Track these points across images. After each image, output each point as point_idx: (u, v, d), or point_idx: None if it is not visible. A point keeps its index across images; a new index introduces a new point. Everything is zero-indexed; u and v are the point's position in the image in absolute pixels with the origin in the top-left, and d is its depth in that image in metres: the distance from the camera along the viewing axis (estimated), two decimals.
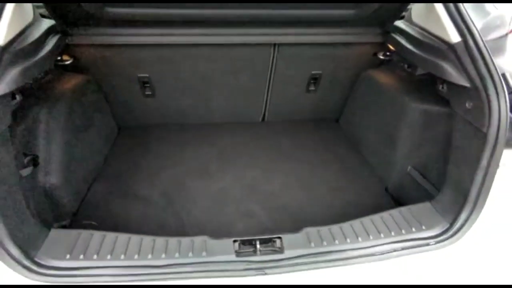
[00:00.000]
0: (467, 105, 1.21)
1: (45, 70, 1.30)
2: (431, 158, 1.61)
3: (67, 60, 1.77)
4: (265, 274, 1.04)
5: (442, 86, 1.43)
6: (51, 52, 1.36)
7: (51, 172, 1.44)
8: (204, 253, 1.08)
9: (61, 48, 1.58)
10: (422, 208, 1.31)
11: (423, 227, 1.22)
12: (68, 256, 1.05)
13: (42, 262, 1.02)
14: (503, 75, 1.10)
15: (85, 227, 1.49)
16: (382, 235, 1.18)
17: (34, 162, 1.32)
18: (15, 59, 1.08)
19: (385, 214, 1.28)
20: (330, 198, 1.74)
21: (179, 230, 1.50)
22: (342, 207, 1.68)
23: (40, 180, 1.40)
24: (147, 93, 2.08)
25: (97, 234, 1.14)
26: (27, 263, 0.98)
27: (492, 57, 1.12)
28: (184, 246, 1.11)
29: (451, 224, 1.20)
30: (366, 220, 1.24)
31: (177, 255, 1.07)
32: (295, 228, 1.52)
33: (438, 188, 1.49)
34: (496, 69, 1.10)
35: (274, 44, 1.95)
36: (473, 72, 1.16)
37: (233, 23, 1.73)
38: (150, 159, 1.97)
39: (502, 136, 1.07)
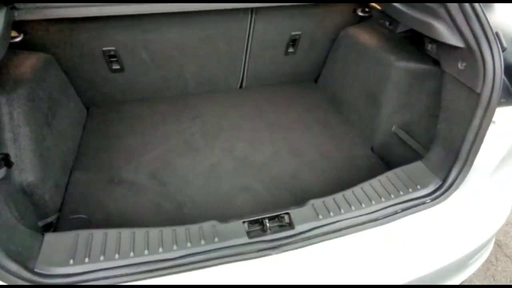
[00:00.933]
0: (459, 65, 1.23)
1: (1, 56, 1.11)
2: (416, 117, 1.65)
3: (16, 37, 1.53)
4: (282, 251, 1.05)
5: (430, 45, 1.43)
6: (2, 32, 1.15)
7: (26, 168, 1.30)
8: (216, 239, 1.06)
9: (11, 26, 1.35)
10: (415, 167, 1.37)
11: (418, 187, 1.28)
12: (71, 261, 0.98)
13: (44, 272, 0.95)
14: (497, 33, 1.10)
15: (74, 223, 1.41)
16: (383, 199, 1.22)
17: (7, 161, 1.17)
18: None
19: (382, 178, 1.32)
20: (321, 163, 1.77)
21: (178, 214, 1.46)
22: (335, 171, 1.71)
23: (16, 180, 1.27)
24: (114, 67, 1.90)
25: (97, 233, 1.07)
26: (28, 275, 0.91)
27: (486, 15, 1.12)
28: (194, 234, 1.07)
29: (444, 181, 1.27)
30: (366, 185, 1.28)
31: (189, 244, 1.04)
32: (294, 198, 1.56)
33: (425, 147, 1.55)
34: (491, 28, 1.10)
35: (252, 9, 1.82)
36: (467, 32, 1.16)
37: None
38: (129, 140, 1.85)
39: (496, 96, 1.11)
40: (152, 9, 1.56)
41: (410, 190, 1.26)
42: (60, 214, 1.45)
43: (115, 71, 1.92)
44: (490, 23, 1.11)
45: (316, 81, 2.48)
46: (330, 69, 2.27)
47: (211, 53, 2.01)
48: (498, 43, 1.10)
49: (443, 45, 1.30)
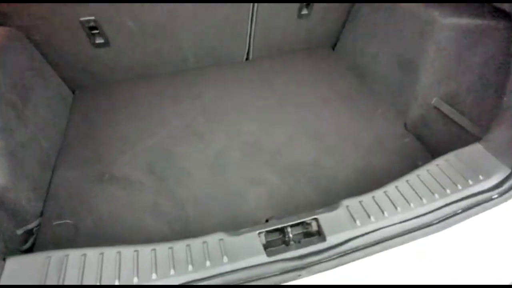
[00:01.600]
0: None
1: None
2: (464, 87, 1.35)
3: None
4: (313, 273, 0.80)
5: None
6: None
7: None
8: (225, 259, 0.82)
9: None
10: (473, 152, 1.08)
11: (480, 177, 1.00)
12: None
13: None
14: None
15: (59, 231, 1.18)
16: (436, 195, 0.95)
17: None
18: None
19: (432, 167, 1.04)
20: (346, 147, 1.49)
21: (179, 215, 1.22)
22: (364, 158, 1.44)
23: None
24: (97, 41, 1.61)
25: (74, 255, 0.83)
26: None
27: None
28: (197, 253, 0.83)
29: None
30: (412, 177, 1.01)
31: (190, 267, 0.81)
32: (317, 192, 1.30)
33: (478, 124, 1.26)
34: None
35: None
36: None
37: None
38: (121, 126, 1.59)
39: None
40: None
41: (471, 182, 0.98)
42: (42, 219, 1.23)
43: (99, 45, 1.63)
44: None
45: (334, 47, 2.14)
46: (351, 33, 1.94)
47: (210, 19, 1.70)
48: None
49: None
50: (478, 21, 1.24)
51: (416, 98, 1.51)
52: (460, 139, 1.34)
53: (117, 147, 1.49)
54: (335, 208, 0.93)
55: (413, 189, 0.97)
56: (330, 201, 0.98)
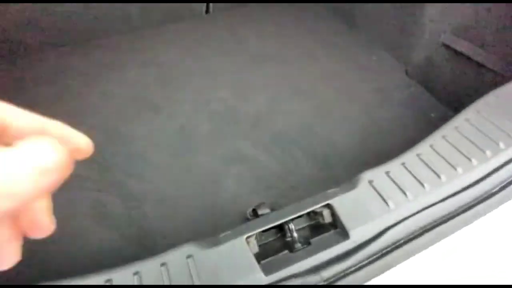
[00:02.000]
0: None
1: None
2: (485, 13, 1.07)
3: None
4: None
5: None
6: None
7: None
8: (196, 280, 0.51)
9: None
10: (502, 99, 0.81)
11: None
12: None
13: None
14: None
15: None
16: (488, 152, 0.68)
17: None
18: None
19: (471, 114, 0.76)
20: (342, 105, 1.20)
21: (134, 216, 0.89)
22: (366, 114, 1.16)
23: None
24: None
25: None
26: None
27: None
28: (151, 283, 0.52)
29: None
30: (450, 131, 0.72)
31: None
32: (318, 166, 1.01)
33: (503, 58, 0.99)
34: None
35: None
36: None
37: None
38: (52, 104, 1.20)
39: None
40: None
41: (502, 145, 0.71)
42: None
43: None
44: None
45: None
46: None
47: None
48: None
49: None
50: None
51: (421, 36, 1.22)
52: (478, 80, 1.08)
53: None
54: (354, 187, 0.63)
55: (455, 147, 0.69)
56: (337, 176, 0.69)
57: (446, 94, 1.20)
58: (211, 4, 1.61)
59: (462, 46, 1.13)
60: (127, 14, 1.46)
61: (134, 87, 1.28)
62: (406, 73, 1.31)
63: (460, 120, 0.75)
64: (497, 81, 1.06)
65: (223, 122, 1.15)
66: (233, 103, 1.21)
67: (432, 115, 1.14)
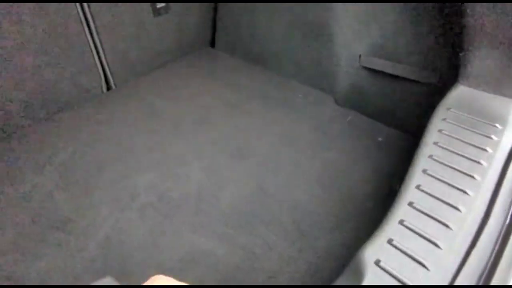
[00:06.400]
0: None
1: None
2: (390, 31, 1.08)
3: None
4: None
5: None
6: None
7: None
8: None
9: None
10: (462, 96, 0.78)
11: (498, 126, 0.69)
12: None
13: None
14: None
15: None
16: (477, 176, 0.59)
17: None
18: None
19: (434, 134, 0.69)
20: (291, 155, 1.07)
21: None
22: (315, 159, 1.04)
23: None
24: None
25: None
26: None
27: None
28: None
29: None
30: (420, 177, 0.63)
31: None
32: (291, 238, 0.83)
33: (422, 67, 1.00)
34: None
35: None
36: None
37: None
38: None
39: None
40: None
41: (494, 137, 0.66)
42: None
43: None
44: None
45: (212, 45, 1.73)
46: (228, 18, 1.55)
47: (36, 50, 1.07)
48: None
49: None
50: None
51: (338, 65, 1.20)
52: (406, 93, 1.07)
53: None
54: (361, 275, 0.47)
55: (444, 182, 0.59)
56: (318, 247, 0.52)
57: (383, 114, 1.17)
58: (111, 81, 1.41)
59: (379, 64, 1.12)
60: (8, 111, 1.17)
61: (30, 202, 0.98)
62: (336, 102, 1.27)
63: (430, 146, 0.67)
64: (423, 91, 1.06)
65: (160, 216, 0.92)
66: (166, 187, 0.99)
67: (380, 139, 1.09)
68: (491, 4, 0.71)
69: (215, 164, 1.05)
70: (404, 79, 1.09)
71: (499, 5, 0.70)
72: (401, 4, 1.02)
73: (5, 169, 1.06)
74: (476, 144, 0.64)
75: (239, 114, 1.25)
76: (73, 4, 1.13)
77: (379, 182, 0.85)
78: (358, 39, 1.14)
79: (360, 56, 1.16)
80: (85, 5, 1.15)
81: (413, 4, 0.99)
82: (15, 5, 1.02)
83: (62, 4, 1.10)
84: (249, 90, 1.37)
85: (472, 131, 0.67)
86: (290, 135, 1.14)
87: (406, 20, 1.03)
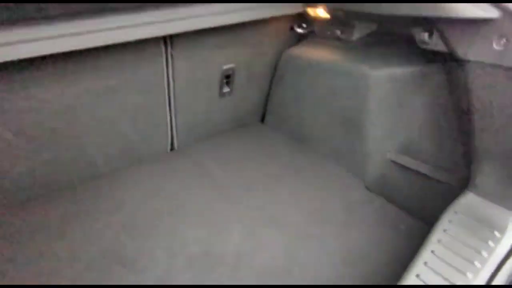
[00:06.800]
0: (494, 45, 0.86)
1: None
2: (416, 134, 1.27)
3: None
4: None
5: (428, 34, 1.07)
6: None
7: None
8: None
9: None
10: (469, 203, 0.92)
11: (496, 234, 0.82)
12: None
13: None
14: None
15: None
16: (469, 275, 0.72)
17: None
18: None
19: (440, 235, 0.83)
20: (317, 232, 1.23)
21: None
22: (342, 234, 1.19)
23: None
24: None
25: None
26: None
27: None
28: None
29: None
30: (428, 255, 0.77)
31: None
32: None
33: (444, 168, 1.15)
34: None
35: (165, 37, 1.31)
36: None
37: (90, 14, 1.01)
38: (16, 267, 1.06)
39: None
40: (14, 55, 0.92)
41: (491, 243, 0.79)
42: None
43: None
44: None
45: (263, 120, 2.02)
46: (279, 102, 1.84)
47: (118, 110, 1.40)
48: None
49: (456, 25, 0.94)
50: (410, 69, 1.22)
51: (369, 155, 1.39)
52: (428, 188, 1.21)
53: None
54: None
55: (440, 274, 0.73)
56: None
57: (406, 203, 1.30)
58: (175, 142, 1.71)
59: (407, 161, 1.29)
60: (91, 160, 1.48)
61: (102, 239, 1.21)
62: (366, 187, 1.43)
63: (434, 243, 0.81)
64: (443, 189, 1.19)
65: (202, 266, 1.09)
66: (210, 243, 1.18)
67: (402, 227, 1.21)
68: (497, 132, 0.89)
69: (252, 229, 1.23)
70: (429, 177, 1.24)
71: (503, 134, 0.87)
72: (425, 113, 1.22)
73: (86, 209, 1.32)
74: (474, 247, 0.77)
75: (278, 186, 1.45)
76: (163, 83, 1.46)
77: (398, 267, 0.96)
78: (388, 137, 1.34)
79: (388, 152, 1.34)
80: (171, 85, 1.48)
81: (436, 114, 1.18)
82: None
83: (153, 78, 1.43)
84: (289, 165, 1.58)
85: (473, 235, 0.81)
86: (321, 211, 1.31)
87: (429, 127, 1.21)
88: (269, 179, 1.50)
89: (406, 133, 1.30)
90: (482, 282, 0.70)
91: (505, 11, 0.81)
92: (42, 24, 0.93)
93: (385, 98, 1.28)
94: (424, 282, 0.70)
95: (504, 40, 0.84)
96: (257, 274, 1.05)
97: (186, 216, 1.31)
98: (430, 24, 1.03)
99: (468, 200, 0.93)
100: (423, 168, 1.23)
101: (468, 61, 0.95)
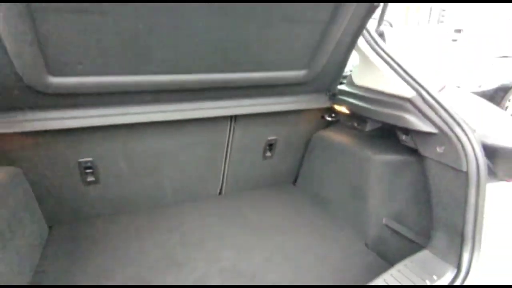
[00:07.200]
0: (439, 149, 1.31)
1: None
2: (404, 206, 1.66)
3: None
4: None
5: (405, 136, 1.55)
6: None
7: None
8: None
9: None
10: (423, 257, 1.29)
11: (435, 277, 1.17)
12: None
13: None
14: (463, 120, 1.23)
15: None
16: None
17: None
18: None
19: (394, 272, 1.21)
20: (318, 267, 1.61)
21: None
22: (335, 273, 1.56)
23: None
24: (89, 180, 1.78)
25: None
26: None
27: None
28: None
29: (459, 268, 1.19)
30: (379, 281, 1.15)
31: None
32: None
33: (421, 234, 1.51)
34: (457, 113, 1.24)
35: (231, 116, 1.93)
36: (437, 119, 1.28)
37: (188, 97, 1.66)
38: (97, 259, 1.60)
39: (483, 172, 1.16)
40: (134, 120, 1.57)
41: (428, 282, 1.15)
42: None
43: (89, 183, 1.79)
44: (454, 109, 1.26)
45: (294, 183, 2.50)
46: (308, 170, 2.33)
47: (191, 159, 2.00)
48: (470, 128, 1.23)
49: (418, 133, 1.41)
50: (399, 157, 1.67)
51: (370, 219, 1.78)
52: (411, 250, 1.55)
53: (92, 280, 1.47)
54: None
55: None
56: None
57: (393, 260, 1.64)
58: (223, 189, 2.25)
59: (396, 226, 1.66)
60: (163, 192, 2.06)
61: (163, 247, 1.72)
62: (366, 245, 1.79)
63: (387, 275, 1.19)
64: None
65: (229, 276, 1.53)
66: (237, 262, 1.63)
67: None
68: (444, 208, 1.28)
69: (270, 260, 1.65)
70: (411, 240, 1.59)
71: (447, 210, 1.27)
72: (409, 190, 1.61)
73: (155, 225, 1.87)
74: (414, 281, 1.13)
75: (296, 232, 1.87)
76: (224, 145, 2.05)
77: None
78: (383, 206, 1.74)
79: (384, 218, 1.73)
80: (229, 147, 2.07)
81: (417, 191, 1.57)
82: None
83: (218, 141, 2.02)
84: (308, 218, 2.01)
85: (417, 276, 1.17)
86: (324, 256, 1.69)
87: (413, 200, 1.60)
88: (288, 228, 1.93)
89: (397, 203, 1.69)
90: None
91: (441, 130, 1.27)
92: (157, 105, 1.59)
93: (381, 176, 1.72)
94: None
95: (443, 147, 1.29)
96: (250, 281, 1.46)
97: (224, 242, 1.78)
98: (406, 129, 1.51)
99: (423, 254, 1.28)
100: (408, 233, 1.59)
101: (425, 157, 1.39)
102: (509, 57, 7.13)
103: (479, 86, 6.67)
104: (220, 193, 2.27)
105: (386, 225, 1.72)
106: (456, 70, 7.25)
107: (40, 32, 1.08)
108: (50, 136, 1.53)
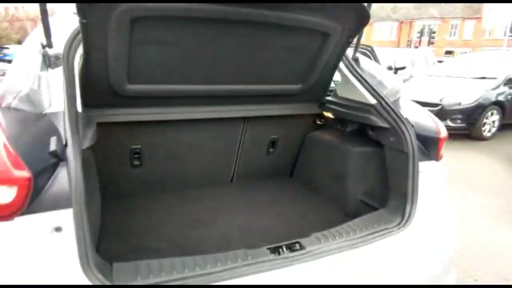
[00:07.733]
0: (391, 139, 1.92)
1: None
2: (374, 185, 2.24)
3: None
4: (299, 263, 1.39)
5: (371, 132, 2.16)
6: None
7: None
8: (249, 258, 1.39)
9: None
10: (381, 213, 1.87)
11: (385, 223, 1.75)
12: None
13: None
14: (406, 118, 1.85)
15: None
16: (364, 230, 1.66)
17: None
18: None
19: (359, 219, 1.78)
20: (311, 227, 2.17)
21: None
22: (325, 226, 2.13)
23: None
24: (135, 163, 2.35)
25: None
26: None
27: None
28: (232, 256, 1.39)
29: (402, 217, 1.77)
30: (352, 223, 1.72)
31: (229, 262, 1.35)
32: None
33: (384, 205, 2.10)
34: (402, 115, 1.86)
35: (244, 118, 2.53)
36: (390, 119, 1.89)
37: (215, 102, 2.27)
38: (145, 220, 2.16)
39: (416, 153, 1.77)
40: (179, 117, 2.17)
41: (382, 224, 1.72)
42: None
43: (135, 166, 2.37)
44: (401, 112, 1.87)
45: (291, 175, 3.08)
46: (302, 164, 2.92)
47: (212, 151, 2.59)
48: (409, 123, 1.84)
49: (378, 129, 2.02)
50: (370, 148, 2.26)
51: (349, 196, 2.35)
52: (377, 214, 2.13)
53: (144, 231, 2.02)
54: (308, 236, 1.58)
55: (352, 228, 1.68)
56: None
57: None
58: (234, 177, 2.83)
59: (368, 200, 2.23)
60: (188, 177, 2.62)
61: (191, 214, 2.28)
62: (346, 215, 2.36)
63: (357, 220, 1.76)
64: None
65: (245, 230, 2.08)
66: (251, 222, 2.19)
67: None
68: (398, 180, 1.88)
69: (275, 220, 2.21)
70: (377, 209, 2.15)
71: (400, 181, 1.86)
72: (378, 173, 2.20)
73: (180, 202, 2.44)
74: (372, 225, 1.71)
75: (288, 204, 2.43)
76: (237, 141, 2.64)
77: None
78: (359, 185, 2.31)
79: (359, 194, 2.31)
80: (241, 143, 2.66)
81: (384, 173, 2.15)
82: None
83: (233, 138, 2.61)
84: (301, 198, 2.58)
85: (376, 221, 1.75)
86: (315, 224, 2.25)
87: (380, 180, 2.18)
88: (289, 201, 2.50)
89: (369, 184, 2.27)
90: (366, 233, 1.63)
91: (392, 125, 1.88)
92: (193, 107, 2.20)
93: (357, 163, 2.30)
94: (345, 229, 1.64)
95: (394, 137, 1.89)
96: (275, 238, 2.01)
97: (237, 211, 2.34)
98: (371, 126, 2.12)
99: (380, 212, 1.86)
100: (375, 203, 2.17)
101: (384, 145, 1.99)
102: (487, 78, 7.89)
103: (459, 104, 7.38)
104: (231, 180, 2.84)
105: (361, 200, 2.29)
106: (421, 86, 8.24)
107: (131, 57, 1.68)
108: (115, 126, 2.11)
